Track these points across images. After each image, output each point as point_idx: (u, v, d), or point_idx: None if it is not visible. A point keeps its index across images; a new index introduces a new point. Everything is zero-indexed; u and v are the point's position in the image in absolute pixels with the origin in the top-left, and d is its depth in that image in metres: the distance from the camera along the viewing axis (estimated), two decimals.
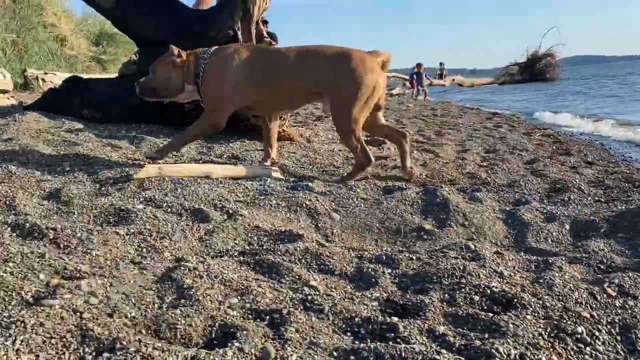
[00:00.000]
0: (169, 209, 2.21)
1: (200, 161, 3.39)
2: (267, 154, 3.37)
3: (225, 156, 3.63)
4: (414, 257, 1.86)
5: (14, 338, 1.12)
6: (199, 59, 2.99)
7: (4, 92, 7.28)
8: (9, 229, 1.87)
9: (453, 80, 32.31)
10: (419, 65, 18.48)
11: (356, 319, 1.39)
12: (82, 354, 1.14)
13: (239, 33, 4.39)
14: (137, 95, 3.13)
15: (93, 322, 1.23)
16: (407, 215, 2.43)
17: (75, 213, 2.10)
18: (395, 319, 1.39)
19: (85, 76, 11.54)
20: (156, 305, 1.39)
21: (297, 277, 1.64)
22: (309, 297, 1.50)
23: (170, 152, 3.17)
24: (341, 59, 2.86)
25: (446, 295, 1.59)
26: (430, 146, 4.86)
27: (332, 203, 2.50)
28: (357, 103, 2.82)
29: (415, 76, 18.28)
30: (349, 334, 1.34)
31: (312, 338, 1.28)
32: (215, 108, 2.98)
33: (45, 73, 10.89)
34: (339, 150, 4.14)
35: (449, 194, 2.67)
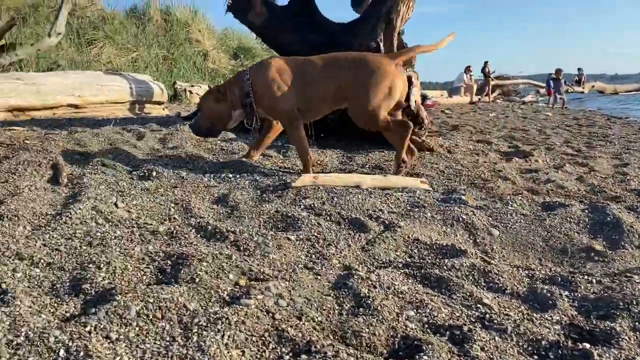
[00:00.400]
0: (328, 217, 2.29)
1: (346, 171, 3.47)
2: (251, 152, 3.53)
3: (367, 166, 3.68)
4: (594, 280, 1.74)
5: (222, 333, 1.23)
6: (241, 83, 3.17)
7: (160, 103, 8.04)
8: (193, 230, 2.06)
9: (592, 86, 29.84)
10: (558, 71, 17.28)
11: (542, 342, 1.33)
12: (279, 353, 1.22)
13: (381, 44, 4.44)
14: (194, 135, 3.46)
15: (285, 324, 1.31)
16: (573, 233, 2.29)
17: (246, 218, 2.26)
18: (587, 345, 1.31)
19: None
20: (336, 311, 1.45)
21: (468, 293, 1.61)
22: (486, 316, 1.46)
23: (308, 157, 3.23)
24: (358, 64, 3.06)
25: (637, 323, 1.46)
26: (582, 159, 4.53)
27: (490, 218, 2.43)
28: (374, 102, 3.01)
29: (552, 83, 17.13)
30: (536, 357, 1.29)
31: (498, 358, 1.25)
32: (287, 114, 3.16)
33: (192, 85, 11.88)
34: (484, 162, 4.01)
35: (619, 212, 2.46)
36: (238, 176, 3.05)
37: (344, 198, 2.57)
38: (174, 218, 2.29)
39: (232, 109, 3.21)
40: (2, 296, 1.35)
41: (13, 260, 1.66)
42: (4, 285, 1.42)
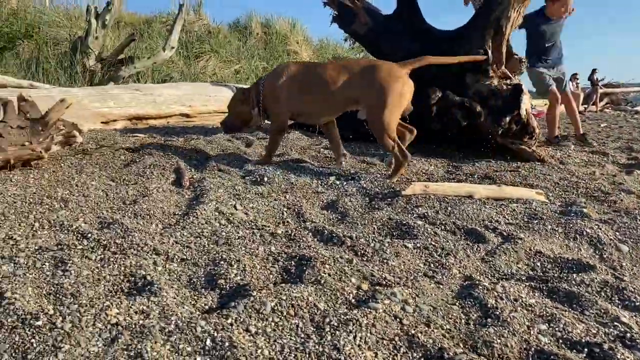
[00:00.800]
0: (443, 227, 2.26)
1: (454, 180, 3.40)
2: (338, 157, 3.67)
3: (476, 175, 3.59)
4: None
5: (354, 334, 1.25)
6: (259, 86, 3.49)
7: None
8: (310, 234, 2.12)
9: None
10: None
11: None
12: (411, 358, 1.22)
13: (489, 52, 4.33)
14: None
15: (414, 329, 1.31)
16: None
17: (358, 224, 2.29)
18: None
19: None
20: (463, 320, 1.43)
21: (602, 310, 1.52)
22: (627, 335, 1.37)
23: (271, 155, 3.54)
24: (370, 71, 3.22)
25: None
26: None
27: (617, 233, 2.28)
28: (388, 108, 3.13)
29: None
30: None
31: None
32: (277, 116, 3.46)
33: None
34: (601, 174, 3.76)
35: None
36: (345, 183, 3.09)
37: (458, 208, 2.52)
38: (288, 221, 2.37)
39: (252, 109, 3.53)
40: (148, 287, 1.47)
41: (151, 255, 1.80)
42: (148, 277, 1.54)
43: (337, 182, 3.11)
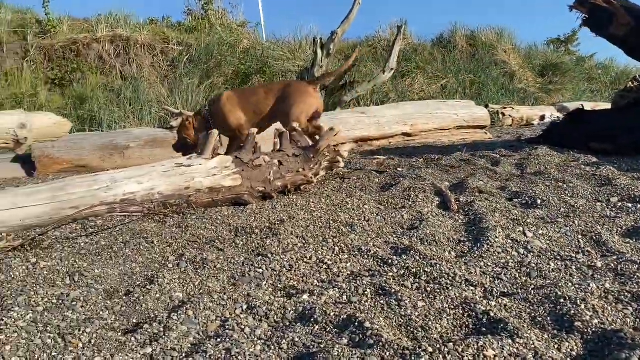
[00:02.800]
0: None
1: None
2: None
3: None
4: None
5: None
6: (203, 113, 4.14)
7: (482, 127, 8.00)
8: (636, 266, 1.84)
9: None
10: None
11: None
12: None
13: None
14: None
15: None
16: None
17: None
18: None
19: (545, 107, 11.62)
20: None
21: None
22: None
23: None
24: (286, 88, 3.89)
25: None
26: None
27: None
28: (302, 118, 3.67)
29: None
30: None
31: None
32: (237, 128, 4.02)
33: (504, 107, 11.59)
34: None
35: None
36: (634, 205, 2.70)
37: None
38: (588, 251, 2.11)
39: (199, 132, 3.98)
40: (498, 325, 1.38)
41: (467, 286, 1.73)
42: (491, 313, 1.45)
43: (630, 205, 2.73)
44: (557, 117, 12.04)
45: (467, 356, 1.17)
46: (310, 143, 3.42)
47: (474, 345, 1.21)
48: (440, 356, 1.17)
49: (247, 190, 2.98)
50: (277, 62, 11.24)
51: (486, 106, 11.91)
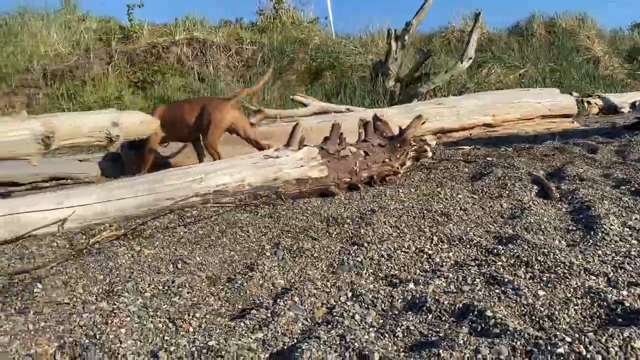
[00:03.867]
0: None
1: None
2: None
3: None
4: None
5: None
6: None
7: (568, 116, 7.56)
8: None
9: None
10: None
11: None
12: None
13: None
14: None
15: None
16: None
17: None
18: None
19: None
20: None
21: None
22: None
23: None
24: (206, 105, 4.12)
25: None
26: None
27: None
28: (215, 132, 4.03)
29: None
30: None
31: None
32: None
33: (589, 95, 10.90)
34: None
35: None
36: None
37: None
38: None
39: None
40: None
41: (591, 276, 1.59)
42: (637, 305, 1.32)
43: None
44: None
45: (612, 347, 1.05)
46: (396, 132, 3.34)
47: (618, 335, 1.09)
48: (581, 346, 1.06)
49: (333, 181, 2.94)
50: (349, 57, 11.19)
51: (570, 94, 11.30)
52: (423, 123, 3.17)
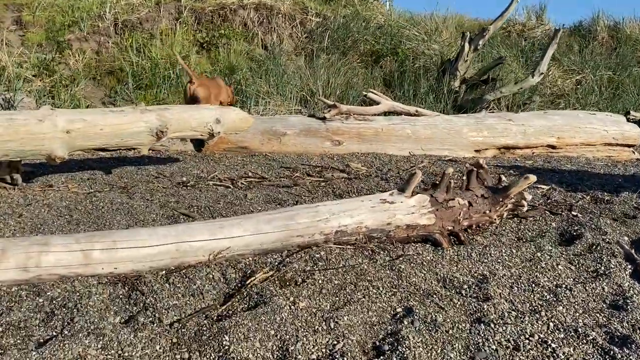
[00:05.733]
0: None
1: None
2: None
3: None
4: None
5: None
6: None
7: (630, 146, 7.58)
8: None
9: None
10: None
11: None
12: None
13: None
14: None
15: None
16: None
17: None
18: None
19: None
20: None
21: None
22: None
23: None
24: None
25: None
26: None
27: None
28: None
29: None
30: None
31: None
32: None
33: None
34: None
35: None
36: None
37: None
38: None
39: None
40: None
41: None
42: None
43: None
44: None
45: None
46: (494, 182, 3.51)
47: None
48: None
49: (438, 229, 3.16)
50: (411, 42, 11.13)
51: (627, 113, 11.16)
52: (529, 184, 3.33)
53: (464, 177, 3.46)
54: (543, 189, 4.61)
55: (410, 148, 6.37)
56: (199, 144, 5.85)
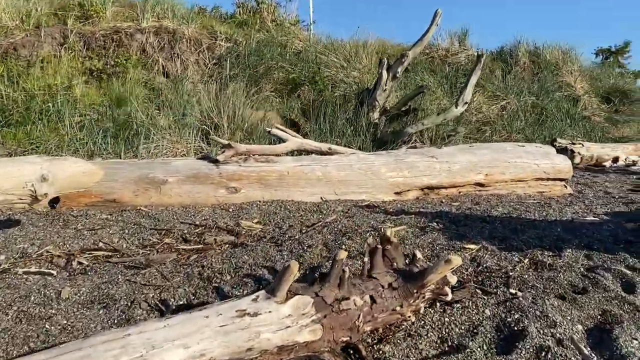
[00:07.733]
0: None
1: None
2: None
3: None
4: None
5: None
6: None
7: (562, 180, 7.01)
8: None
9: None
10: None
11: None
12: None
13: None
14: None
15: None
16: None
17: None
18: None
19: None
20: None
21: None
22: None
23: None
24: None
25: None
26: None
27: None
28: None
29: None
30: None
31: None
32: None
33: (573, 143, 10.37)
34: None
35: None
36: None
37: None
38: None
39: None
40: None
41: None
42: None
43: None
44: (633, 160, 10.87)
45: None
46: (407, 261, 2.58)
47: None
48: None
49: (327, 346, 2.16)
50: (330, 69, 10.36)
51: (553, 140, 10.80)
52: (452, 268, 2.41)
53: (366, 259, 2.50)
54: (472, 249, 3.74)
55: (322, 193, 5.43)
56: (53, 198, 4.63)
